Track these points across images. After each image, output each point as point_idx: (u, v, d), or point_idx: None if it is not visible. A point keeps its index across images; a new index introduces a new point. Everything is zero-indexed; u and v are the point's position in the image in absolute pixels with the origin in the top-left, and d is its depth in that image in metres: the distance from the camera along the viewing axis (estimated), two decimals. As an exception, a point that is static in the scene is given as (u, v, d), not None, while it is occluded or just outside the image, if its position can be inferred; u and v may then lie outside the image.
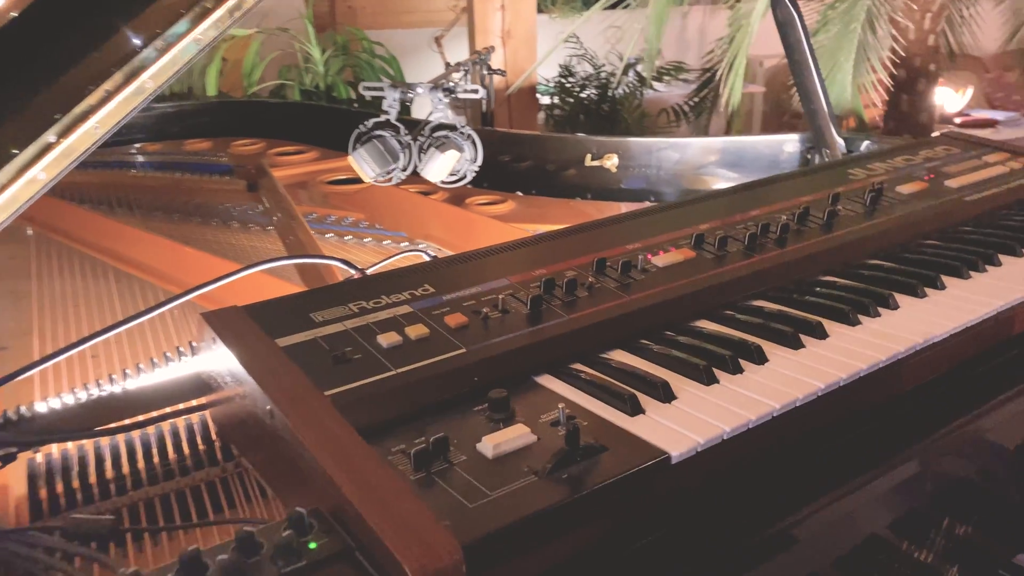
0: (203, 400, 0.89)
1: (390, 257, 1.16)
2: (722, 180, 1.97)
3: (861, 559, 0.86)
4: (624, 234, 1.07)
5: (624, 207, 1.96)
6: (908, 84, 2.63)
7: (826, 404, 0.77)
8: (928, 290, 0.95)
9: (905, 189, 1.22)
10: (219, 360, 0.80)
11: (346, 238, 1.71)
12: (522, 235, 1.59)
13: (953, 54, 3.35)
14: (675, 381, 0.77)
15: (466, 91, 1.64)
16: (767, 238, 1.04)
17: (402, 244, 1.67)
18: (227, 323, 0.82)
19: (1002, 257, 1.04)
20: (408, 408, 0.74)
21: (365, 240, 1.70)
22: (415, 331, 0.82)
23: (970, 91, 4.80)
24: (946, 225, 1.15)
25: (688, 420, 0.71)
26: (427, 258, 1.17)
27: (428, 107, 1.63)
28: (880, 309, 0.91)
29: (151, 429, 0.89)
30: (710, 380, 0.77)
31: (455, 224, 1.72)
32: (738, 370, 0.79)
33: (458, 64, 1.96)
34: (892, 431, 0.84)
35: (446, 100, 1.61)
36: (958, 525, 1.01)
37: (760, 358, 0.81)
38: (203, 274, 1.42)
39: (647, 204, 1.93)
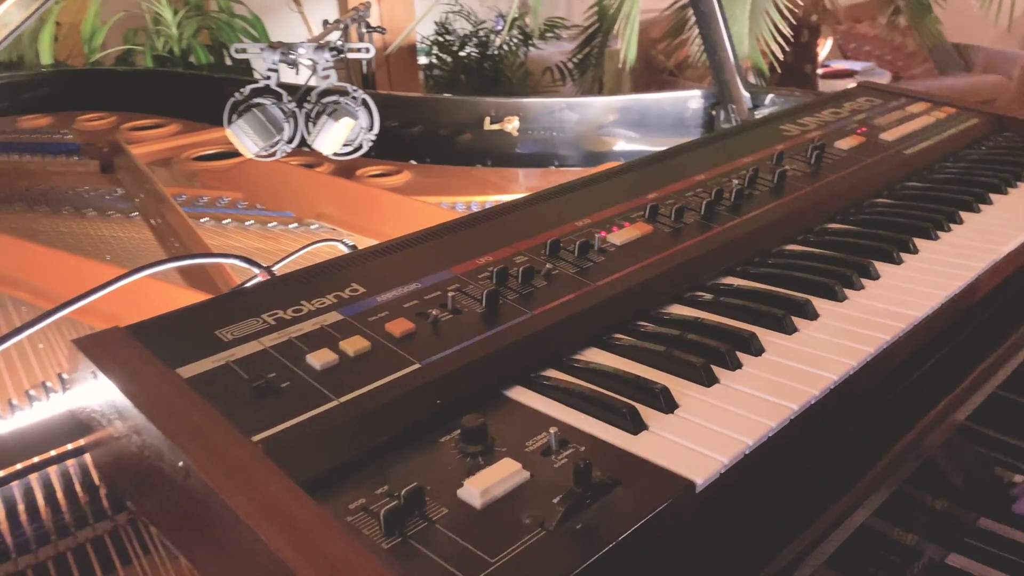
0: (81, 443, 0.71)
1: (298, 250, 0.98)
2: (625, 140, 1.88)
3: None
4: (566, 209, 0.94)
5: (524, 173, 1.84)
6: (792, 35, 2.65)
7: (838, 396, 0.67)
8: (904, 255, 0.88)
9: (844, 144, 1.15)
10: (102, 399, 0.63)
11: (224, 222, 1.50)
12: (429, 210, 1.45)
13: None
14: (671, 384, 0.66)
15: (354, 50, 1.46)
16: (723, 206, 0.94)
17: (291, 226, 1.49)
18: (110, 351, 0.64)
19: (963, 215, 0.99)
20: (361, 447, 0.59)
21: (247, 224, 1.50)
22: (353, 345, 0.67)
23: (829, 43, 4.94)
24: (893, 181, 1.10)
25: (700, 434, 0.60)
26: (344, 249, 1.00)
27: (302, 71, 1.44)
28: (863, 280, 0.82)
29: (15, 484, 0.71)
30: (710, 380, 0.66)
31: (350, 200, 1.54)
32: (737, 365, 0.69)
33: (337, 21, 1.76)
34: (890, 417, 0.76)
35: (332, 61, 1.42)
36: (923, 496, 0.96)
37: (756, 348, 0.71)
38: (59, 275, 1.20)
39: (553, 169, 1.82)
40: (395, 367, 0.65)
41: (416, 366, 0.66)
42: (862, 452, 0.72)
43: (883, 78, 4.57)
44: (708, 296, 0.81)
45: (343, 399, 0.61)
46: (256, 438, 0.57)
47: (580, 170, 1.80)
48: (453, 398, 0.64)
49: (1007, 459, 1.10)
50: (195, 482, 0.54)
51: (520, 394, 0.67)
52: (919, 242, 0.91)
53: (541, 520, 0.52)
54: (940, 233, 0.94)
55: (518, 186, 1.80)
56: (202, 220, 1.49)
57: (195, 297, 1.06)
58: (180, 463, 0.55)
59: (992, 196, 1.04)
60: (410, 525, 0.52)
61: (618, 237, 0.86)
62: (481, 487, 0.54)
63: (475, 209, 1.58)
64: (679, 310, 0.79)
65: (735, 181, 0.99)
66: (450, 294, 0.74)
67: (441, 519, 0.53)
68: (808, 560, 0.64)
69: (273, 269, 0.85)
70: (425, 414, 0.62)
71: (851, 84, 1.48)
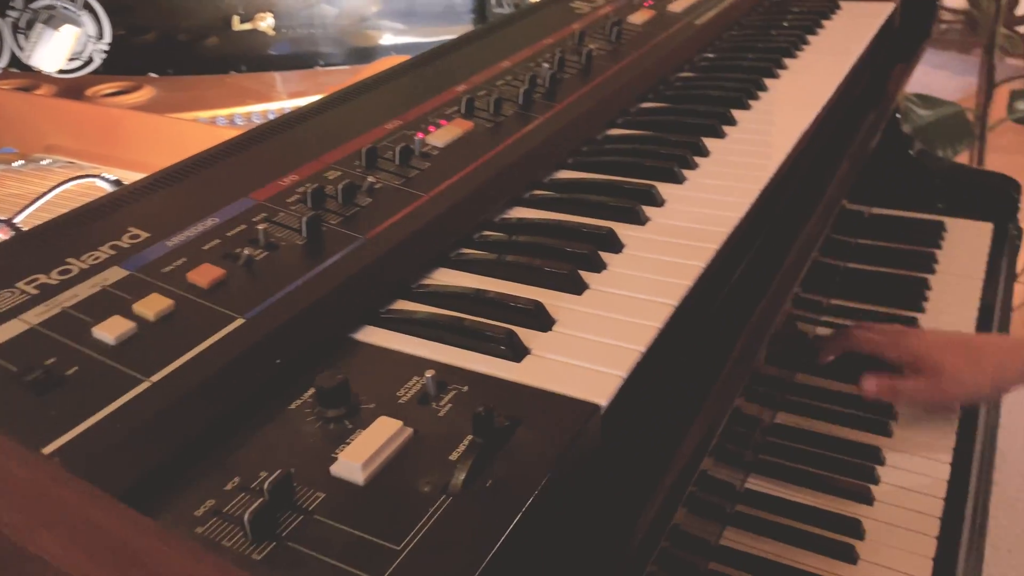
0: None
1: (45, 194, 0.79)
2: (393, 33, 1.74)
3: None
4: (369, 111, 0.83)
5: (285, 76, 1.65)
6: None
7: (708, 282, 0.64)
8: (726, 128, 0.86)
9: (636, 19, 1.11)
10: None
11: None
12: (192, 129, 1.26)
13: None
14: (540, 297, 0.58)
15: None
16: (539, 93, 0.87)
17: (16, 164, 1.23)
18: None
19: (767, 81, 0.98)
20: (192, 435, 0.47)
21: (-47, 168, 1.22)
22: (151, 307, 0.53)
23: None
24: (691, 54, 1.07)
25: (587, 348, 0.54)
26: (107, 187, 0.81)
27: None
28: (696, 159, 0.79)
29: None
30: (581, 287, 0.60)
31: (86, 126, 1.29)
32: (602, 266, 0.63)
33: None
34: (738, 300, 0.75)
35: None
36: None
37: (617, 245, 0.65)
38: None
39: (319, 69, 1.64)
40: (213, 327, 0.52)
41: (239, 321, 0.53)
42: (722, 337, 0.70)
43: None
44: (549, 194, 0.74)
45: (155, 378, 0.48)
46: (48, 449, 0.43)
47: (348, 69, 1.65)
48: (293, 353, 0.52)
49: (809, 315, 1.15)
50: (-29, 526, 0.40)
51: (372, 335, 0.56)
52: (737, 113, 0.89)
53: (444, 484, 0.44)
54: (752, 102, 0.93)
55: (280, 92, 1.61)
56: None
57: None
58: (-57, 504, 0.40)
59: (786, 60, 1.05)
60: (283, 523, 0.42)
61: (438, 138, 0.76)
62: (360, 458, 0.44)
63: (239, 123, 1.39)
64: (522, 213, 0.72)
65: (545, 66, 0.92)
66: (260, 227, 0.61)
67: (320, 507, 0.43)
68: (701, 454, 0.61)
69: (15, 221, 0.67)
70: (264, 379, 0.51)
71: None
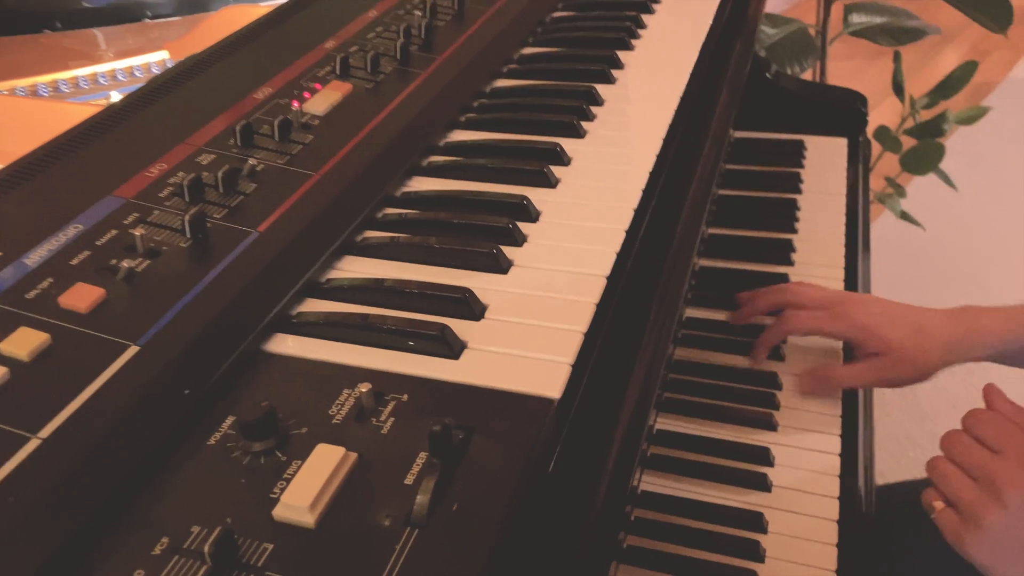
0: None
1: None
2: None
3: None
4: (231, 78, 0.74)
5: (108, 32, 1.48)
6: None
7: (631, 245, 0.61)
8: (615, 72, 0.83)
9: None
10: None
11: None
12: (17, 105, 1.10)
13: None
14: (465, 281, 0.54)
15: None
16: (415, 46, 0.80)
17: None
18: None
19: (644, 17, 0.96)
20: (99, 497, 0.40)
21: None
22: (22, 344, 0.45)
23: None
24: (559, -7, 1.03)
25: (525, 335, 0.51)
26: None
27: None
28: (593, 109, 0.76)
29: None
30: (506, 265, 0.56)
31: None
32: (523, 238, 0.59)
33: None
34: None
35: None
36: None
37: (532, 214, 0.61)
38: None
39: (147, 23, 1.48)
40: (103, 360, 0.45)
41: (133, 349, 0.46)
42: (644, 286, 0.68)
43: None
44: (449, 159, 0.69)
45: (44, 433, 0.41)
46: (-74, 543, 0.36)
47: (184, 20, 1.49)
48: (203, 380, 0.46)
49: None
50: None
51: (286, 344, 0.51)
52: (622, 55, 0.86)
53: (406, 514, 0.40)
54: (634, 42, 0.90)
55: (106, 51, 1.45)
56: None
57: None
58: None
59: (656, -7, 1.03)
60: (232, 587, 0.37)
61: (316, 105, 0.69)
62: (306, 497, 0.40)
63: (65, 90, 1.24)
64: (424, 184, 0.67)
65: (417, 13, 0.85)
66: (134, 231, 0.54)
67: (271, 561, 0.38)
68: (646, 406, 0.59)
69: None
70: (175, 415, 0.44)
71: None
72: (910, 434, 1.92)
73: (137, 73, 1.24)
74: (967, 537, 0.62)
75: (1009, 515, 0.61)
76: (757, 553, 0.76)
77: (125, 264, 0.51)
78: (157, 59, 1.24)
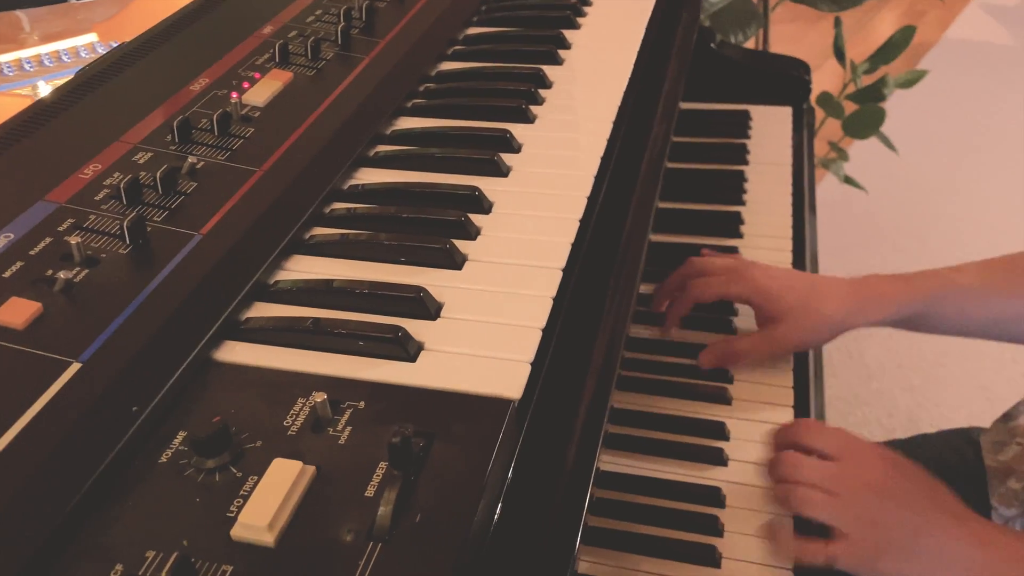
0: None
1: None
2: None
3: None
4: (164, 68, 0.71)
5: (33, 14, 1.42)
6: None
7: (587, 224, 0.61)
8: (562, 53, 0.81)
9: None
10: None
11: None
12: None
13: None
14: (419, 278, 0.53)
15: None
16: (357, 30, 0.78)
17: None
18: None
19: (589, -8, 0.94)
20: (48, 525, 0.39)
21: None
22: (-45, 366, 0.43)
23: None
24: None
25: (484, 334, 0.50)
26: None
27: None
28: (541, 92, 0.75)
29: None
30: (460, 261, 0.55)
31: None
32: (476, 231, 0.58)
33: None
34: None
35: None
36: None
37: (485, 205, 0.60)
38: None
39: (75, 3, 1.42)
40: (43, 379, 0.44)
41: (75, 366, 0.44)
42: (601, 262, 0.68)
43: None
44: (396, 149, 0.67)
45: (-15, 460, 0.39)
46: None
47: (109, 0, 1.43)
48: (151, 395, 0.45)
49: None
50: None
51: (236, 352, 0.49)
52: (569, 34, 0.85)
53: (368, 528, 0.39)
54: (580, 20, 0.89)
55: (31, 35, 1.38)
56: None
57: None
58: None
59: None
60: (193, 615, 0.36)
61: (256, 95, 0.67)
62: (264, 516, 0.39)
63: (-12, 76, 1.18)
64: (371, 176, 0.65)
65: (356, -7, 0.83)
66: (70, 238, 0.51)
67: (230, 584, 0.37)
68: (607, 387, 0.59)
69: None
70: (122, 434, 0.43)
71: None
72: (857, 393, 1.97)
73: (65, 58, 1.19)
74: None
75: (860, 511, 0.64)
76: (716, 528, 0.77)
77: (62, 275, 0.49)
78: (85, 42, 1.19)
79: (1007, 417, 0.88)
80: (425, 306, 0.50)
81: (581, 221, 0.60)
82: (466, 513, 0.40)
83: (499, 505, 0.43)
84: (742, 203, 1.26)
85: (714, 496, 0.80)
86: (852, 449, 0.70)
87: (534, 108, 0.72)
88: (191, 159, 0.59)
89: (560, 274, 0.54)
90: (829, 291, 0.84)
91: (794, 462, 0.70)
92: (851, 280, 0.86)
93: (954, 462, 0.90)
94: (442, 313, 0.51)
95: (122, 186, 0.55)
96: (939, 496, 0.67)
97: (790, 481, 0.70)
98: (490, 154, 0.64)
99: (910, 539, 0.63)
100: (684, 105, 1.50)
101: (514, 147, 0.67)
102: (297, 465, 0.41)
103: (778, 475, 0.72)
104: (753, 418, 0.92)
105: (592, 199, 0.63)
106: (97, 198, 0.56)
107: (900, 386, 1.97)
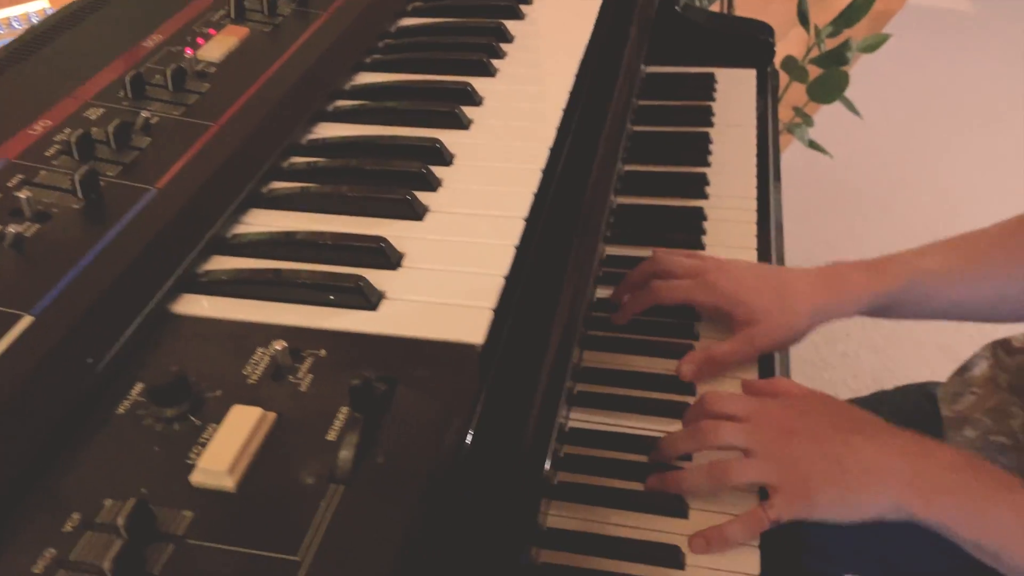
0: None
1: None
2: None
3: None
4: (117, 28, 0.70)
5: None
6: None
7: (551, 177, 0.60)
8: (523, 8, 0.81)
9: None
10: None
11: None
12: None
13: None
14: (380, 229, 0.53)
15: None
16: (315, -16, 0.77)
17: None
18: None
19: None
20: (5, 474, 0.38)
21: None
22: (-98, 320, 0.42)
23: None
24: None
25: (446, 282, 0.50)
26: None
27: None
28: (503, 46, 0.74)
29: None
30: (421, 212, 0.55)
31: None
32: (437, 183, 0.58)
33: None
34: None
35: None
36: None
37: (446, 157, 0.60)
38: None
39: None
40: (-5, 330, 0.43)
41: (27, 319, 0.44)
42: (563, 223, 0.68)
43: None
44: (355, 104, 0.66)
45: (-65, 413, 0.39)
46: None
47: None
48: (106, 347, 0.44)
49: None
50: None
51: (194, 304, 0.49)
52: (527, -9, 0.84)
53: (330, 472, 0.39)
54: (538, -20, 0.88)
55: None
56: None
57: None
58: None
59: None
60: (151, 559, 0.36)
61: (211, 51, 0.66)
62: (224, 461, 0.38)
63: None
64: (331, 130, 0.64)
65: (317, -50, 0.81)
66: (20, 193, 0.50)
67: (192, 529, 0.37)
68: (570, 344, 0.59)
69: None
70: (78, 386, 0.42)
71: None
72: (824, 356, 1.99)
73: (16, 24, 1.16)
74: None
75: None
76: (684, 480, 0.78)
77: (12, 230, 0.48)
78: (37, 8, 1.16)
79: (963, 369, 0.90)
80: (386, 256, 0.50)
81: (544, 172, 0.60)
82: (429, 454, 0.40)
83: (464, 448, 0.43)
84: (707, 164, 1.26)
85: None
86: (758, 404, 0.69)
87: (496, 62, 0.72)
88: (145, 114, 0.58)
89: (523, 223, 0.54)
90: (800, 287, 0.82)
91: (711, 427, 0.69)
92: (820, 272, 0.83)
93: (912, 415, 0.91)
94: (403, 263, 0.51)
95: (73, 141, 0.54)
96: (859, 420, 0.67)
97: (708, 446, 0.69)
98: (451, 106, 0.64)
99: (834, 466, 0.62)
100: (650, 69, 1.49)
101: (475, 100, 0.66)
102: (257, 411, 0.41)
103: (696, 445, 0.71)
104: (720, 376, 0.92)
105: (555, 150, 0.62)
106: (48, 154, 0.54)
107: (865, 348, 2.00)
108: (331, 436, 0.40)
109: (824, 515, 0.63)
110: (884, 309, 0.80)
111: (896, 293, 0.78)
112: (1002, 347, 0.86)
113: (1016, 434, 0.79)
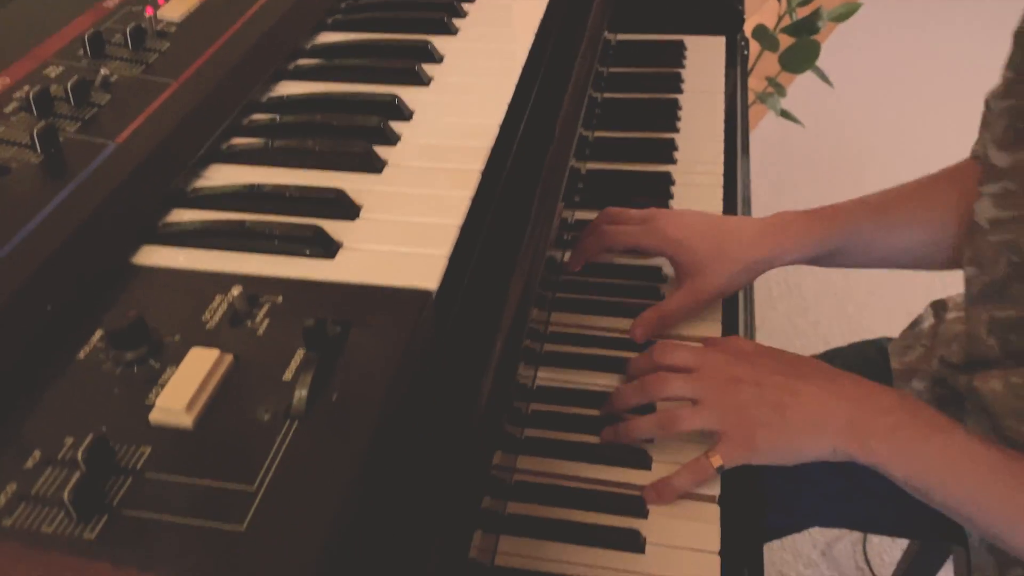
0: None
1: None
2: None
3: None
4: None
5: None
6: None
7: (503, 134, 0.61)
8: (488, -31, 0.81)
9: None
10: None
11: None
12: None
13: None
14: (338, 182, 0.54)
15: None
16: (275, -55, 0.77)
17: None
18: None
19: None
20: (-36, 414, 0.39)
21: None
22: None
23: None
24: None
25: (402, 232, 0.51)
26: None
27: None
28: (462, 5, 0.75)
29: None
30: (379, 165, 0.56)
31: None
32: (396, 137, 0.58)
33: None
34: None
35: None
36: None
37: (405, 112, 0.61)
38: None
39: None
40: (-47, 280, 0.43)
41: (-14, 267, 0.44)
42: (523, 185, 0.69)
43: None
44: (315, 62, 0.67)
45: None
46: None
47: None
48: (65, 295, 0.45)
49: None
50: None
51: (154, 255, 0.49)
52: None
53: (285, 408, 0.40)
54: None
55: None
56: None
57: None
58: None
59: None
60: (112, 492, 0.37)
61: (172, 10, 0.66)
62: (181, 400, 0.39)
63: None
64: (291, 87, 0.65)
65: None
66: (-22, 149, 0.51)
67: (150, 463, 0.38)
68: (527, 305, 0.61)
69: None
70: (37, 332, 0.43)
71: None
72: (795, 324, 2.02)
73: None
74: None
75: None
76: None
77: (-32, 184, 0.48)
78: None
79: (914, 324, 0.92)
80: (343, 206, 0.51)
81: (504, 128, 0.61)
82: (381, 393, 0.41)
83: (418, 389, 0.45)
84: (676, 130, 1.27)
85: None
86: (705, 354, 0.71)
87: (456, 21, 0.72)
88: (104, 72, 0.58)
89: (479, 175, 0.55)
90: (742, 233, 0.83)
91: (659, 380, 0.70)
92: (762, 220, 0.84)
93: (863, 368, 0.94)
94: (361, 214, 0.52)
95: (31, 97, 0.54)
96: (803, 366, 0.68)
97: (656, 397, 0.71)
98: (410, 63, 0.64)
99: (775, 412, 0.64)
100: (620, 36, 1.50)
101: (435, 57, 0.67)
102: (215, 353, 0.42)
103: (644, 397, 0.72)
104: (683, 334, 0.94)
105: (515, 108, 0.63)
106: (6, 111, 0.55)
107: (835, 316, 2.03)
108: (287, 376, 0.41)
109: (766, 460, 0.65)
110: (828, 257, 0.82)
111: (836, 240, 0.80)
112: (941, 307, 0.89)
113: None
